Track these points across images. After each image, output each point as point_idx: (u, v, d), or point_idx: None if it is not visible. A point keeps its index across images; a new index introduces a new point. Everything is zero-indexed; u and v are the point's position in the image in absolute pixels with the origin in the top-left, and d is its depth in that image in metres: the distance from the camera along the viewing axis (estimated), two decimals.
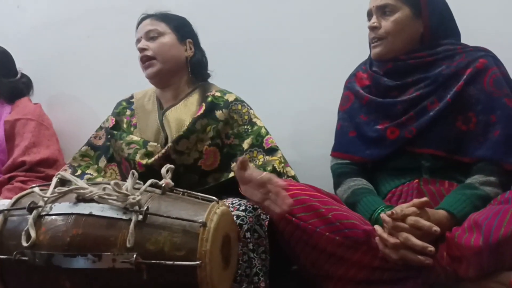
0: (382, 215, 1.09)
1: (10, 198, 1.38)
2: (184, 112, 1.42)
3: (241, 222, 1.11)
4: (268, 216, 1.14)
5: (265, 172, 1.08)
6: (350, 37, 1.61)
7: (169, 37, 1.44)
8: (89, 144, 1.51)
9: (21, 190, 1.47)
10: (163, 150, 1.35)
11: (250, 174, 1.06)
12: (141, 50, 1.43)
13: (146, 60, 1.43)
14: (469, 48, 1.30)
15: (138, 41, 1.46)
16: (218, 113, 1.41)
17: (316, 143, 1.66)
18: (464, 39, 1.35)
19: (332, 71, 1.61)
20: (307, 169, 1.53)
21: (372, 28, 1.31)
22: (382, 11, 1.30)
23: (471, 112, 1.24)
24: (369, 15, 1.35)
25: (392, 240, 1.03)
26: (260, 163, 1.35)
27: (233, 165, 1.31)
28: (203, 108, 1.40)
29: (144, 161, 1.35)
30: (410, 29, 1.29)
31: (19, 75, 1.85)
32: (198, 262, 0.89)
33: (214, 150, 1.39)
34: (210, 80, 1.53)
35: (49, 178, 1.60)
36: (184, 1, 1.51)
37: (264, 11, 1.76)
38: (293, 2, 1.74)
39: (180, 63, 1.45)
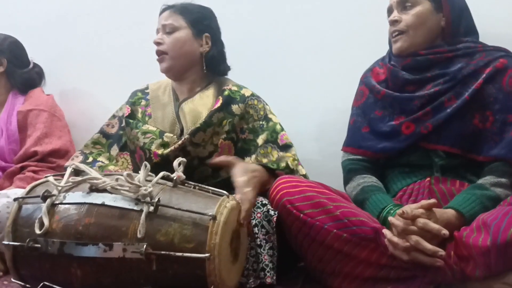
0: (391, 218, 1.08)
1: (22, 188, 1.41)
2: (200, 104, 1.43)
3: None
4: (276, 212, 1.15)
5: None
6: (364, 34, 1.61)
7: (184, 32, 1.43)
8: (102, 132, 1.52)
9: (33, 180, 1.49)
10: (180, 142, 1.36)
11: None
12: (157, 43, 1.43)
13: (159, 54, 1.44)
14: (489, 48, 1.30)
15: (157, 32, 1.47)
16: (235, 107, 1.41)
17: (327, 141, 1.66)
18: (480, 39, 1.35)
19: (344, 69, 1.61)
20: (317, 166, 1.53)
21: (393, 22, 1.32)
22: (403, 5, 1.31)
23: (489, 111, 1.24)
24: (389, 11, 1.35)
25: (403, 244, 1.03)
26: (274, 159, 1.35)
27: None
28: (220, 101, 1.40)
29: (160, 151, 1.36)
30: (431, 23, 1.30)
31: (31, 65, 1.86)
32: (207, 254, 0.90)
33: (229, 144, 1.40)
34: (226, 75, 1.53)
35: (60, 169, 1.62)
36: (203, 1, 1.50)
37: (280, 9, 1.76)
38: (307, 0, 1.74)
39: (194, 59, 1.45)
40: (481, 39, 1.36)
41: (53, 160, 1.67)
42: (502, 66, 1.24)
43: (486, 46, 1.31)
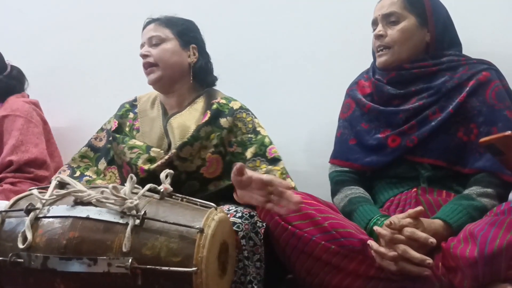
0: (377, 228, 1.09)
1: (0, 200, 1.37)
2: (189, 119, 1.42)
3: (236, 229, 1.10)
4: (264, 224, 1.14)
5: (266, 174, 1.03)
6: (351, 46, 1.62)
7: (171, 43, 1.43)
8: (89, 145, 1.51)
9: (11, 192, 1.46)
10: (166, 156, 1.35)
11: (249, 177, 1.00)
12: (143, 56, 1.43)
13: (148, 67, 1.43)
14: (472, 61, 1.31)
15: (142, 46, 1.46)
16: (223, 121, 1.40)
17: (316, 152, 1.66)
18: (464, 50, 1.37)
19: (333, 81, 1.62)
20: (306, 177, 1.53)
21: (378, 37, 1.32)
22: (388, 19, 1.31)
23: (473, 124, 1.25)
24: (374, 23, 1.36)
25: (390, 253, 1.03)
26: (262, 172, 1.35)
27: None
28: (208, 115, 1.40)
29: (146, 167, 1.35)
30: (415, 38, 1.31)
31: (8, 69, 1.74)
32: (194, 268, 0.89)
33: (217, 158, 1.39)
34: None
35: (38, 179, 1.56)
36: (190, 11, 1.51)
37: (269, 21, 1.77)
38: (295, 13, 1.75)
39: (182, 70, 1.45)
40: (464, 50, 1.37)
41: (30, 170, 1.58)
42: (485, 79, 1.26)
43: (469, 59, 1.32)
